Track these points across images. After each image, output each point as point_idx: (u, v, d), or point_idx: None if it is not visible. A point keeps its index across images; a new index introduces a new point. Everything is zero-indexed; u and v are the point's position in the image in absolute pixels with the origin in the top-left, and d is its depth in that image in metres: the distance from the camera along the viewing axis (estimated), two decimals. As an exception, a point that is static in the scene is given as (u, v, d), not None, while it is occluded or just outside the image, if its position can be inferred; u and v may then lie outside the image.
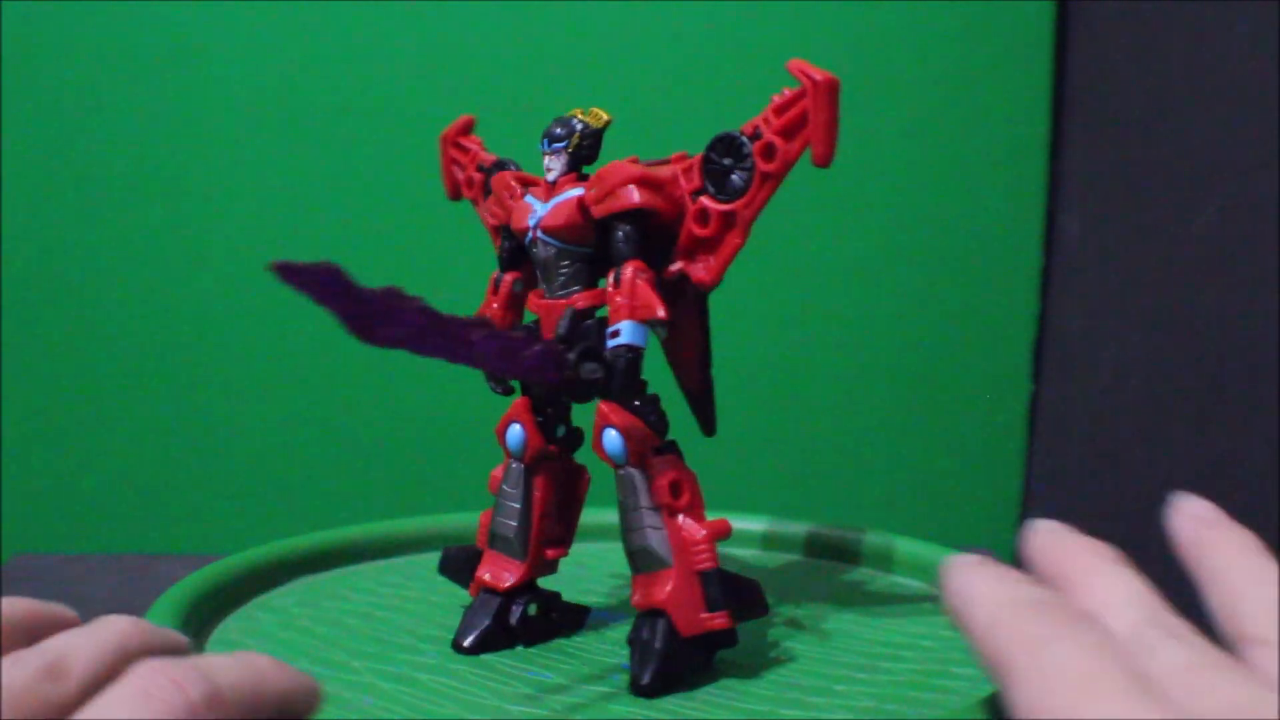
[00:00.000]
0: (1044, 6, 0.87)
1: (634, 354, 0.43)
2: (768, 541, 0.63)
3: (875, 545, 0.60)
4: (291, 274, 0.35)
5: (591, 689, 0.44)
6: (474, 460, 0.87)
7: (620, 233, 0.44)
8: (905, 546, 0.59)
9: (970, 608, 0.28)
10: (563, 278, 0.46)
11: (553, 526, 0.49)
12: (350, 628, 0.50)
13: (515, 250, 0.49)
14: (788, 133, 0.43)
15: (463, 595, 0.53)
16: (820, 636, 0.50)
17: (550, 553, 0.49)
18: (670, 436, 0.45)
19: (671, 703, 0.43)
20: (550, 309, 0.46)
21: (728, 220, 0.44)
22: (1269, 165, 0.66)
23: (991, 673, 0.26)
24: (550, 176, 0.47)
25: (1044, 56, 0.88)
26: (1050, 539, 0.30)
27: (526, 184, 0.48)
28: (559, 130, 0.46)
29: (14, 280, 0.84)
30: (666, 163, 0.46)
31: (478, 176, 0.52)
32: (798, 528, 0.63)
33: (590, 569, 0.58)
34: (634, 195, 0.44)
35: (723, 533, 0.44)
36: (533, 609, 0.48)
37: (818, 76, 0.42)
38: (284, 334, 0.86)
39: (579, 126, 0.46)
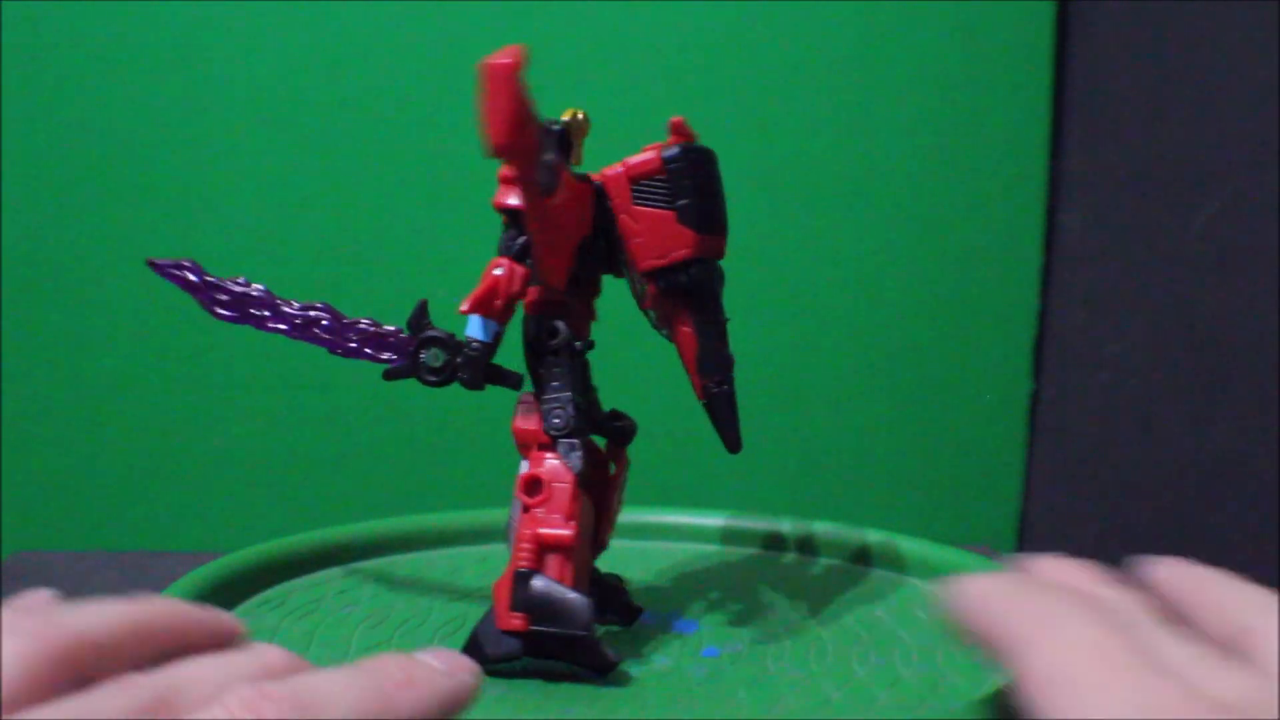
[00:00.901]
0: (1044, 6, 0.87)
1: (477, 346, 0.48)
2: (766, 540, 0.63)
3: (874, 544, 0.60)
4: (158, 267, 0.47)
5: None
6: (476, 458, 0.87)
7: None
8: (905, 545, 0.59)
9: (976, 602, 0.28)
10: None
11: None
12: (352, 626, 0.50)
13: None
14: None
15: (464, 591, 0.53)
16: (818, 635, 0.50)
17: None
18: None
19: (667, 702, 0.43)
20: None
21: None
22: (1268, 163, 0.66)
23: (1001, 656, 0.26)
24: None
25: (1044, 55, 0.88)
26: (1045, 564, 0.31)
27: None
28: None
29: (14, 278, 0.84)
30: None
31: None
32: (797, 526, 0.63)
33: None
34: (500, 194, 0.47)
35: (556, 542, 0.44)
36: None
37: (487, 61, 0.38)
38: (284, 331, 0.86)
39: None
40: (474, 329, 0.45)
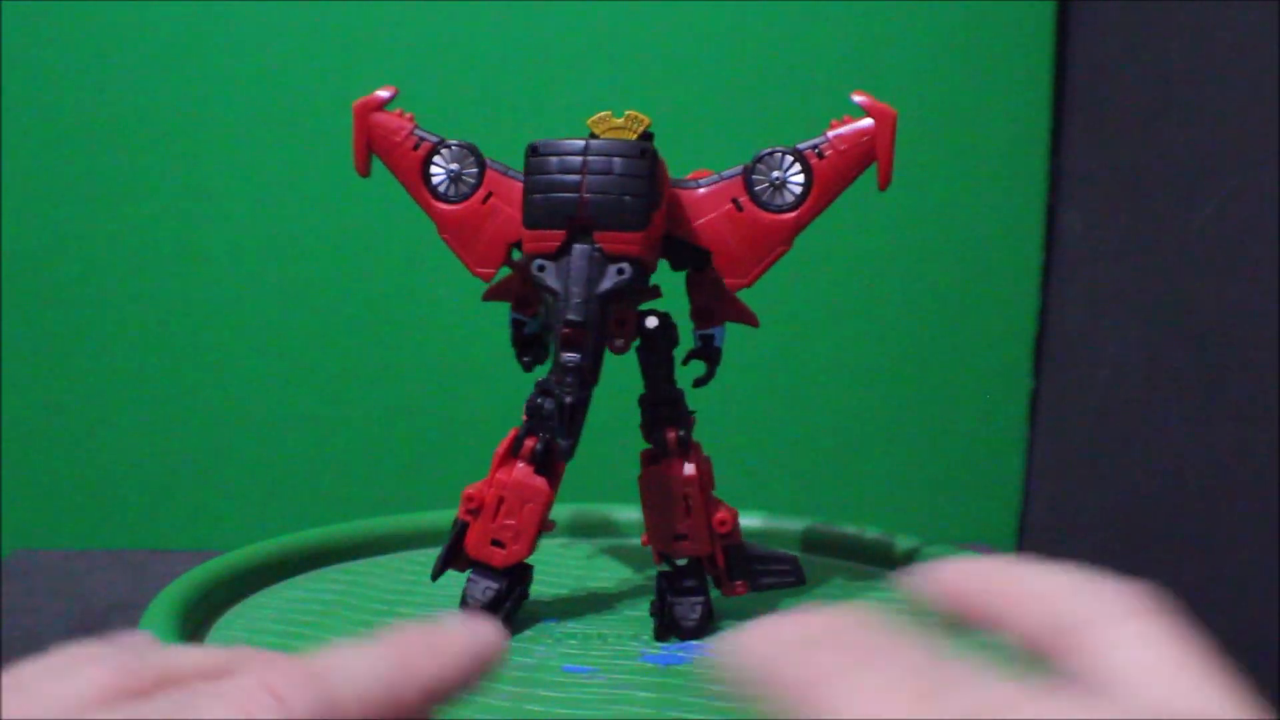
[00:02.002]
0: (1044, 6, 0.87)
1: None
2: (766, 538, 0.63)
3: (875, 543, 0.60)
4: None
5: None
6: (476, 457, 0.87)
7: None
8: (905, 544, 0.59)
9: (753, 653, 0.24)
10: None
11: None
12: (352, 624, 0.50)
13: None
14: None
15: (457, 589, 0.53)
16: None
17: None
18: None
19: (665, 700, 0.43)
20: None
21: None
22: (1268, 162, 0.66)
23: (790, 711, 0.23)
24: None
25: (1044, 55, 0.88)
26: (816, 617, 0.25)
27: None
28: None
29: (14, 277, 0.84)
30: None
31: None
32: (796, 524, 0.63)
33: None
34: None
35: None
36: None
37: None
38: (285, 330, 0.86)
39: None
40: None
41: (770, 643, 0.24)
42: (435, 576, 0.49)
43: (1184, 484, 0.73)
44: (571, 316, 0.44)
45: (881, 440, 0.91)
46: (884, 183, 0.48)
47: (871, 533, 0.61)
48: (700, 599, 0.49)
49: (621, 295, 0.45)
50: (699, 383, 0.50)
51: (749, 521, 0.63)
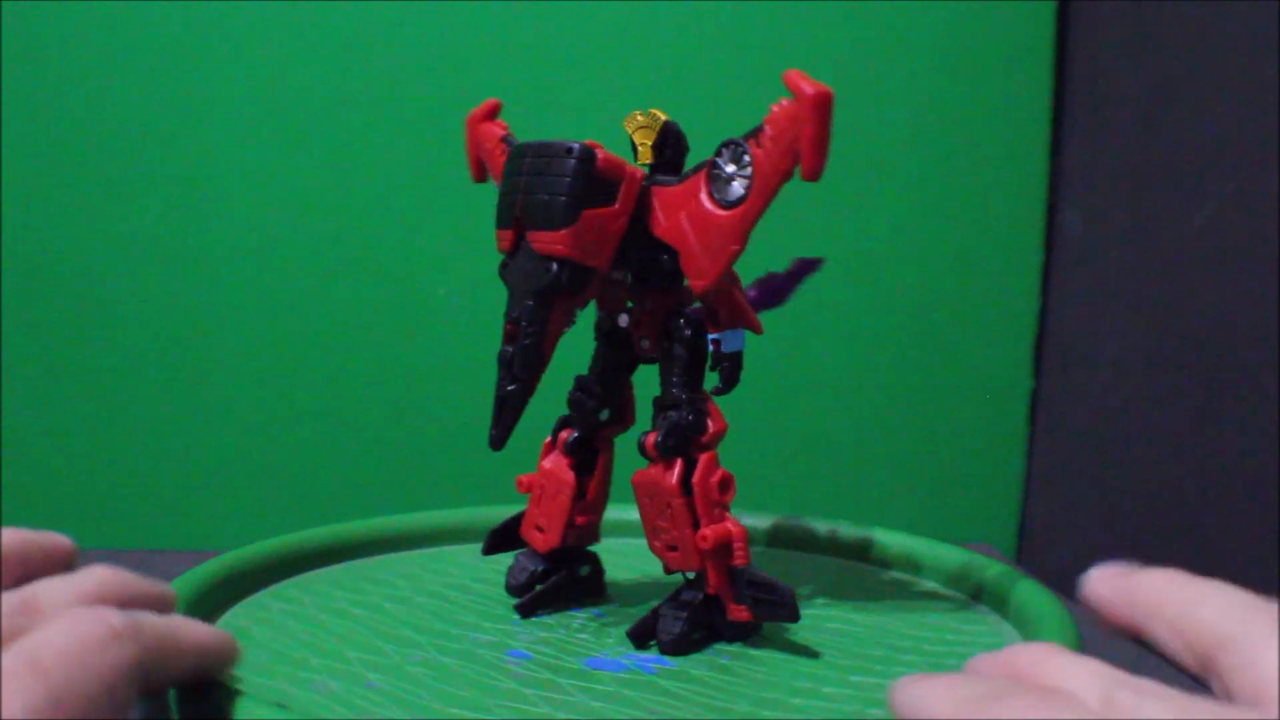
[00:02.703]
0: (1044, 6, 0.87)
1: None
2: (766, 538, 0.63)
3: (875, 541, 0.60)
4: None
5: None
6: (476, 456, 0.87)
7: None
8: (905, 543, 0.59)
9: (927, 714, 0.26)
10: None
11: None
12: (353, 623, 0.50)
13: None
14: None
15: (467, 590, 0.53)
16: (818, 633, 0.50)
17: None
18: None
19: (662, 700, 0.43)
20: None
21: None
22: (1269, 161, 0.66)
23: None
24: None
25: (1044, 55, 0.88)
26: (993, 655, 0.29)
27: None
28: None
29: (14, 277, 0.84)
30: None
31: None
32: (796, 524, 0.63)
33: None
34: None
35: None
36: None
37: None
38: (285, 329, 0.86)
39: None
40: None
41: (937, 697, 0.26)
42: (486, 553, 0.53)
43: (1184, 484, 0.73)
44: (508, 313, 0.46)
45: (881, 440, 0.91)
46: (808, 173, 0.41)
47: (872, 531, 0.61)
48: (684, 614, 0.47)
49: (554, 293, 0.45)
50: (715, 393, 0.47)
51: (749, 520, 0.63)
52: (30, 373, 0.85)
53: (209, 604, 0.50)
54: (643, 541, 0.49)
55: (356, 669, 0.45)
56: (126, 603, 0.34)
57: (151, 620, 0.33)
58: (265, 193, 0.85)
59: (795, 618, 0.46)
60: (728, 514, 0.46)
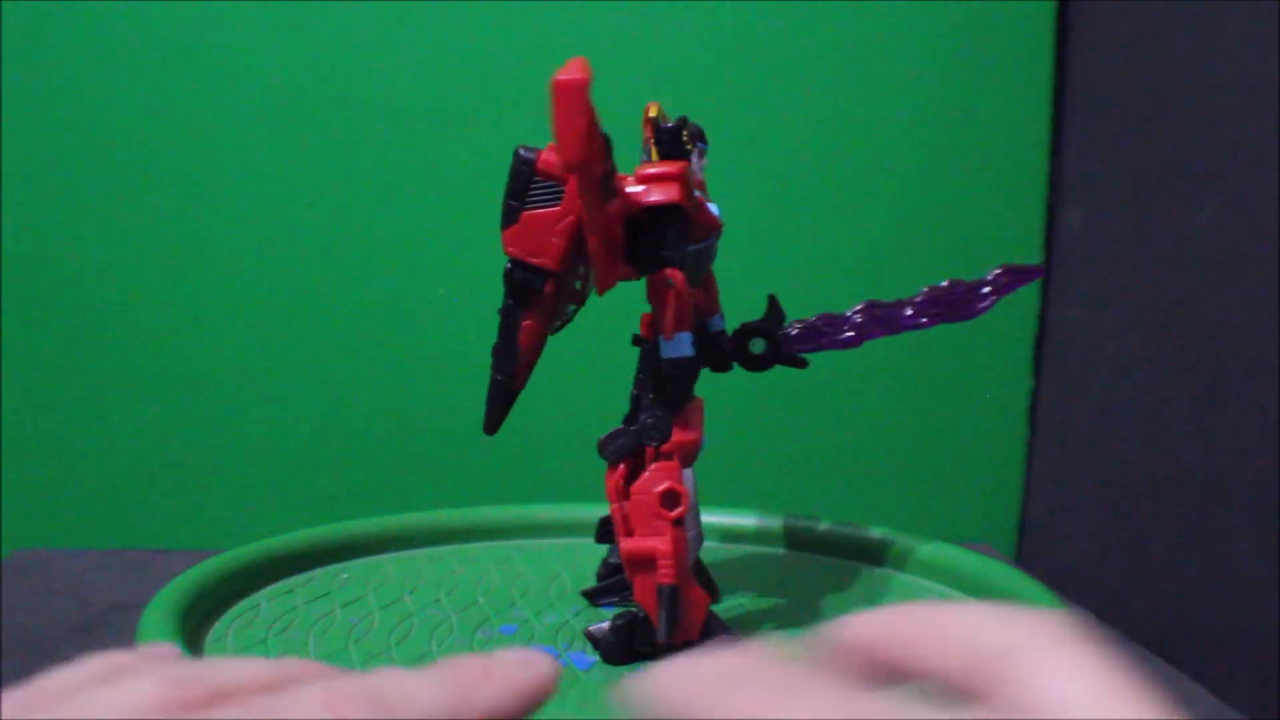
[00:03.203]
0: (1044, 6, 0.87)
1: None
2: (766, 537, 0.63)
3: (875, 541, 0.60)
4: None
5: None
6: (475, 456, 0.87)
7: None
8: (905, 542, 0.59)
9: (670, 691, 0.24)
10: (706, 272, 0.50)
11: None
12: (353, 623, 0.50)
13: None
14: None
15: (467, 591, 0.53)
16: (814, 632, 0.50)
17: None
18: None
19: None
20: (697, 301, 0.49)
21: None
22: (1269, 161, 0.66)
23: None
24: (702, 176, 0.48)
25: (1044, 55, 0.88)
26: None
27: None
28: (701, 129, 0.49)
29: (14, 276, 0.84)
30: None
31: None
32: (796, 523, 0.63)
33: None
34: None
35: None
36: None
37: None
38: (284, 329, 0.86)
39: None
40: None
41: (687, 680, 0.24)
42: (598, 540, 0.53)
43: (1184, 484, 0.73)
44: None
45: (881, 440, 0.91)
46: (562, 163, 0.40)
47: (872, 531, 0.61)
48: (615, 620, 0.46)
49: (513, 291, 0.46)
50: (661, 403, 0.46)
51: (749, 520, 0.63)
52: (31, 373, 0.85)
53: (209, 604, 0.50)
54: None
55: (358, 667, 0.45)
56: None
57: (417, 699, 0.24)
58: (266, 193, 0.85)
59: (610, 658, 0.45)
60: (671, 529, 0.44)
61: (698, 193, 0.47)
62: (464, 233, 0.86)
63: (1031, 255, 0.89)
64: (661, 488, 0.44)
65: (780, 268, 0.88)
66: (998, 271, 0.52)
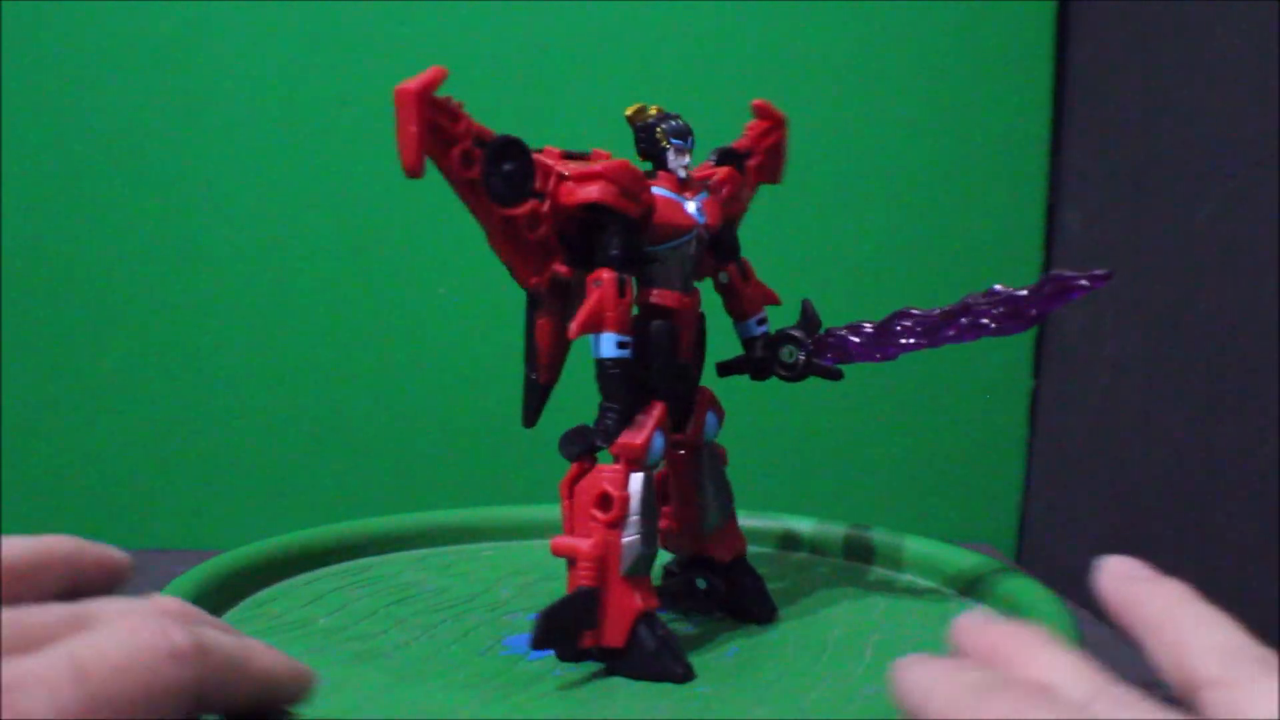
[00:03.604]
0: (1044, 6, 0.87)
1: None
2: (766, 537, 0.63)
3: (875, 541, 0.60)
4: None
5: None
6: (474, 457, 0.87)
7: (733, 229, 0.51)
8: (905, 543, 0.59)
9: (927, 700, 0.27)
10: (694, 274, 0.49)
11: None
12: (354, 623, 0.50)
13: (637, 247, 0.46)
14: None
15: (463, 592, 0.53)
16: (817, 633, 0.50)
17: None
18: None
19: (662, 702, 0.43)
20: (690, 306, 0.48)
21: None
22: (1269, 162, 0.66)
23: None
24: (685, 174, 0.48)
25: (1044, 55, 0.88)
26: (982, 626, 0.30)
27: None
28: (684, 126, 0.48)
29: (14, 277, 0.84)
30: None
31: (477, 153, 0.46)
32: (797, 524, 0.63)
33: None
34: (747, 199, 0.51)
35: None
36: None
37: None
38: (286, 329, 0.86)
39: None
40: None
41: (940, 684, 0.27)
42: None
43: (1184, 484, 0.73)
44: None
45: (881, 440, 0.91)
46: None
47: (872, 532, 0.61)
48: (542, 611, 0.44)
49: (528, 292, 0.47)
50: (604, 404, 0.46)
51: (750, 521, 0.63)
52: (30, 373, 0.85)
53: (209, 604, 0.50)
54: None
55: (358, 667, 0.45)
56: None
57: (220, 641, 0.29)
58: (266, 193, 0.85)
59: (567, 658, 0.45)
60: (603, 531, 0.44)
61: (663, 190, 0.47)
62: (464, 232, 0.85)
63: (1031, 255, 0.89)
64: (598, 490, 0.44)
65: (779, 268, 0.88)
66: (1048, 281, 0.49)
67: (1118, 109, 0.83)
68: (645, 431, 0.45)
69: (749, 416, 0.89)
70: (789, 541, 0.63)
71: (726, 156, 0.52)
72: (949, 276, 0.90)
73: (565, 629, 0.44)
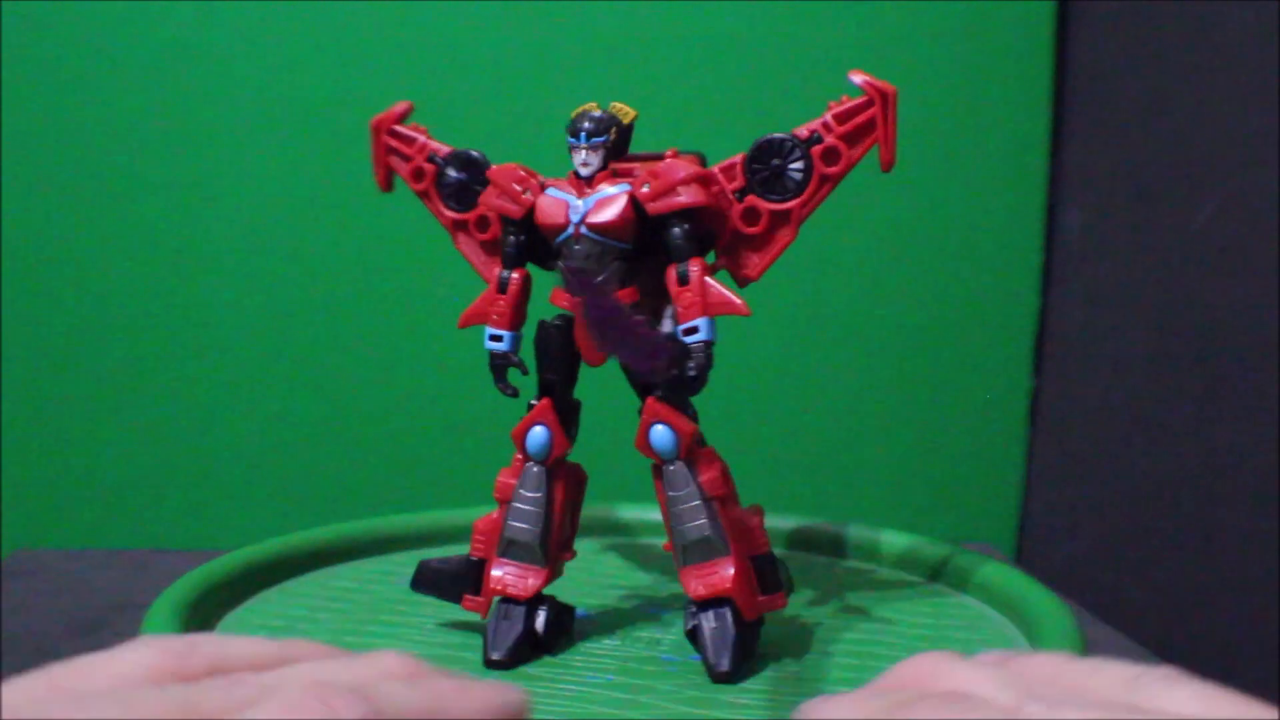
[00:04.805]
0: (1044, 6, 0.87)
1: (711, 349, 0.45)
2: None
3: (875, 541, 0.60)
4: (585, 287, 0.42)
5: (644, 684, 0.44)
6: (474, 456, 0.87)
7: (679, 230, 0.45)
8: (905, 542, 0.59)
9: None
10: (600, 271, 0.46)
11: (566, 529, 0.49)
12: (354, 623, 0.50)
13: (522, 246, 0.48)
14: (851, 138, 0.47)
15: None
16: (817, 632, 0.50)
17: (565, 556, 0.49)
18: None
19: (670, 702, 0.43)
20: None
21: (781, 219, 0.48)
22: (1268, 161, 0.66)
23: None
24: (586, 171, 0.46)
25: (1044, 55, 0.88)
26: (901, 665, 0.29)
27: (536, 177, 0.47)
28: (593, 125, 0.46)
29: (14, 276, 0.84)
30: (660, 157, 0.47)
31: (429, 167, 0.52)
32: (796, 523, 0.63)
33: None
34: (699, 194, 0.45)
35: (763, 516, 0.47)
36: (549, 614, 0.48)
37: (886, 89, 0.45)
38: (284, 329, 0.86)
39: (615, 121, 0.46)
40: (711, 331, 0.45)
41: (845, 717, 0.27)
42: None
43: (1184, 484, 0.73)
44: None
45: (881, 440, 0.91)
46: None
47: (872, 531, 0.61)
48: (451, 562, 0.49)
49: None
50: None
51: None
52: (31, 373, 0.85)
53: (209, 604, 0.50)
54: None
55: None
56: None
57: (399, 697, 0.25)
58: (266, 194, 0.85)
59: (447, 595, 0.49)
60: (497, 511, 0.48)
61: (556, 190, 0.46)
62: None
63: (1031, 255, 0.89)
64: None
65: (778, 268, 0.88)
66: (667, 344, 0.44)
67: (1118, 109, 0.83)
68: (522, 423, 0.48)
69: (749, 416, 0.89)
70: (786, 540, 0.63)
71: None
72: (949, 276, 0.90)
73: (442, 586, 0.49)
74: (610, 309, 0.40)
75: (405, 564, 0.59)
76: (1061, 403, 0.89)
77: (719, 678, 0.44)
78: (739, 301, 0.45)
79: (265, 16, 0.83)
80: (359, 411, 0.87)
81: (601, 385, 0.49)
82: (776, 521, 0.63)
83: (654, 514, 0.62)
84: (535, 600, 0.47)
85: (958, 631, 0.50)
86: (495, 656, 0.46)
